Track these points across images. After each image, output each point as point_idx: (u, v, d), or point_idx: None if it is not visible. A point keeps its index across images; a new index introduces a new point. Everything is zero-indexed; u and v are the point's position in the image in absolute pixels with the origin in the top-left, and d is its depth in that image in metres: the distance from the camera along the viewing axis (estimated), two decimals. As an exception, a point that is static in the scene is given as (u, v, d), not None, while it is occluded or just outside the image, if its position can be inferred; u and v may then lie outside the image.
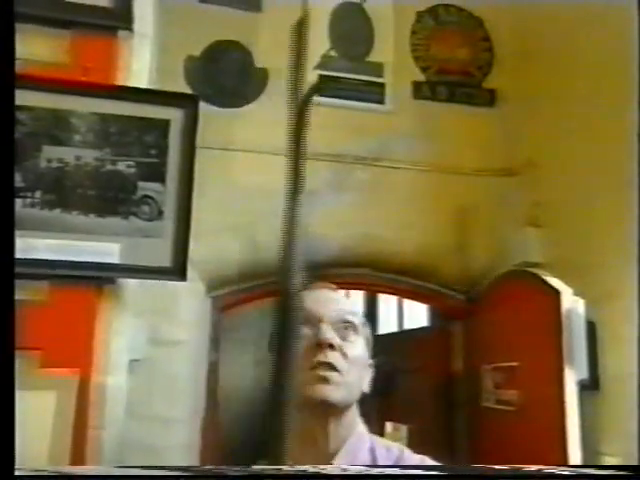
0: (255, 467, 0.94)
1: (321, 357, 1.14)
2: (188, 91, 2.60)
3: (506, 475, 0.90)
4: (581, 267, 2.44)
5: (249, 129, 2.75)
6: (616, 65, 2.36)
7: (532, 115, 2.88)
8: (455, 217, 2.85)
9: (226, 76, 2.85)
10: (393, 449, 1.19)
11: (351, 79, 2.98)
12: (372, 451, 1.17)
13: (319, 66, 2.94)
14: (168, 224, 1.80)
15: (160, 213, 1.80)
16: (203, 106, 2.58)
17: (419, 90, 3.03)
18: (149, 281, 2.14)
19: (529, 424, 2.31)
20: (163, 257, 1.80)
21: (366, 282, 3.00)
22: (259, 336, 5.97)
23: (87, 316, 1.78)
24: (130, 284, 2.02)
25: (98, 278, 1.79)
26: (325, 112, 2.89)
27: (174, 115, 1.84)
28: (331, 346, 1.15)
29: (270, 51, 2.88)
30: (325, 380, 1.13)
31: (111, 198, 1.75)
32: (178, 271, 1.82)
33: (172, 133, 1.82)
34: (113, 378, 1.90)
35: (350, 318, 1.20)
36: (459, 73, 3.13)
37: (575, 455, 2.15)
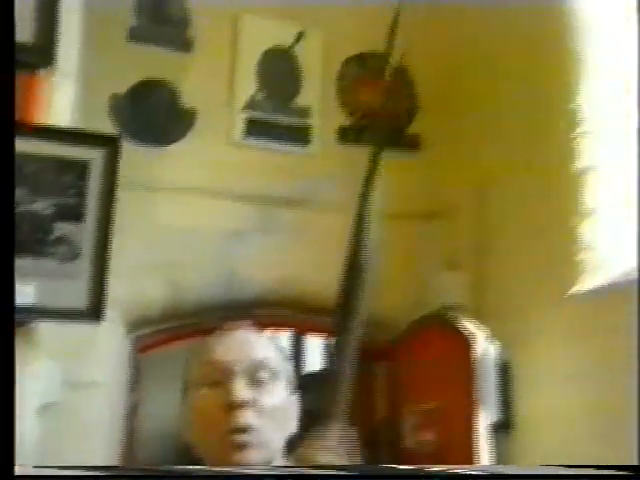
0: (255, 467, 0.98)
1: (234, 420, 1.03)
2: (113, 130, 2.58)
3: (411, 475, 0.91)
4: (498, 310, 2.52)
5: (174, 169, 2.75)
6: (538, 110, 2.47)
7: (455, 159, 2.98)
8: (374, 259, 2.90)
9: (152, 115, 2.84)
10: None
11: (278, 121, 3.02)
12: None
13: (246, 107, 2.97)
14: (85, 265, 1.78)
15: (77, 254, 1.77)
16: (128, 145, 2.58)
17: (345, 134, 3.10)
18: (67, 324, 2.10)
19: (444, 463, 2.34)
20: (79, 299, 1.77)
21: (289, 322, 3.01)
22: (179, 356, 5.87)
23: (-4, 359, 1.73)
24: (45, 326, 1.97)
25: (10, 320, 1.74)
26: (252, 154, 2.93)
27: (95, 155, 1.82)
28: (244, 405, 1.04)
29: (198, 91, 2.90)
30: (242, 446, 1.02)
31: (25, 238, 1.72)
32: (94, 313, 1.79)
33: (92, 173, 1.81)
34: (20, 425, 1.83)
35: (267, 363, 1.09)
36: (384, 119, 3.21)
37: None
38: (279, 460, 1.08)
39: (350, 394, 1.93)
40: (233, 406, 1.03)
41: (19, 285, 1.73)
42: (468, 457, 2.24)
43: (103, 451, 2.42)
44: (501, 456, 2.36)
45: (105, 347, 2.51)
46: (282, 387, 1.11)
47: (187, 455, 1.11)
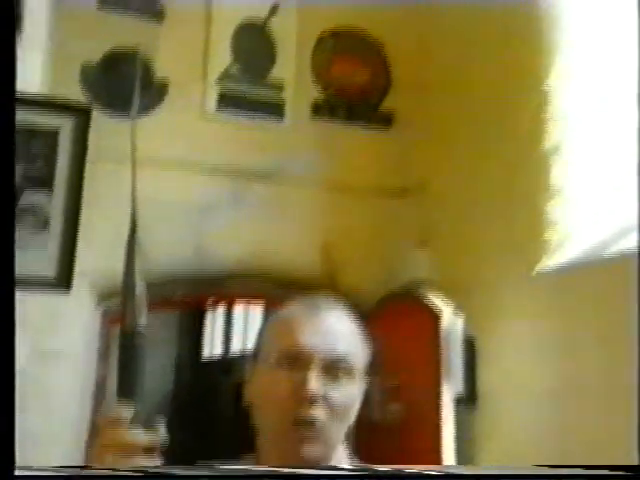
0: (255, 467, 0.96)
1: (302, 413, 0.99)
2: (83, 99, 2.55)
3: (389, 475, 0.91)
4: (465, 286, 2.56)
5: (145, 140, 2.72)
6: (511, 91, 2.49)
7: (426, 137, 3.00)
8: (346, 234, 2.93)
9: (124, 85, 2.81)
10: None
11: (251, 95, 3.01)
12: None
13: (220, 80, 2.96)
14: (54, 235, 1.78)
15: (46, 223, 1.77)
16: (98, 115, 2.55)
17: (318, 109, 3.10)
18: (35, 293, 2.09)
19: (410, 438, 2.39)
20: (48, 268, 1.77)
21: (261, 296, 3.03)
22: (153, 346, 5.89)
23: (-37, 328, 1.72)
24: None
25: (-24, 288, 1.73)
26: (224, 127, 2.92)
27: (64, 124, 1.81)
28: (316, 401, 1.00)
29: (171, 62, 2.87)
30: (304, 440, 1.00)
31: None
32: (63, 282, 1.79)
33: (61, 142, 1.80)
34: (-11, 392, 1.84)
35: (347, 359, 1.05)
36: (357, 94, 3.22)
37: (448, 462, 2.26)
38: (335, 455, 1.05)
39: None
40: (305, 398, 0.99)
41: (-14, 254, 1.72)
42: (433, 430, 2.29)
43: (71, 419, 2.42)
44: (465, 430, 2.42)
45: (74, 318, 2.50)
46: (354, 384, 1.06)
47: (243, 418, 1.09)
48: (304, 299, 1.14)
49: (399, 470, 0.89)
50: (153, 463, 0.85)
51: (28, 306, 2.12)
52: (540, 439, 2.16)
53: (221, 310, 6.60)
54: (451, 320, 2.32)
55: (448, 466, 0.89)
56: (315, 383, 1.00)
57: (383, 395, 2.58)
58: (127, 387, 0.86)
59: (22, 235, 1.71)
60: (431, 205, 2.91)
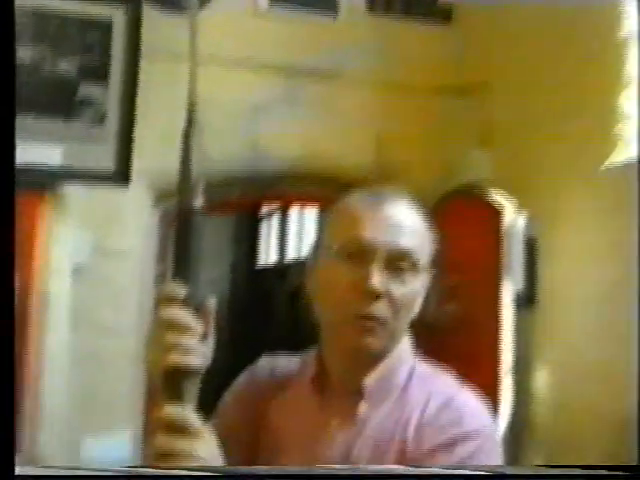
0: (255, 467, 0.92)
1: (365, 307, 0.96)
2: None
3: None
4: (527, 186, 2.48)
5: (198, 38, 2.66)
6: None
7: (488, 32, 2.86)
8: (405, 135, 2.85)
9: (175, -20, 2.73)
10: (436, 371, 1.04)
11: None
12: (410, 375, 1.02)
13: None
14: (111, 129, 1.77)
15: (103, 117, 1.76)
16: (151, 12, 2.49)
17: (374, 3, 2.97)
18: (95, 190, 2.12)
19: (467, 335, 2.39)
20: (106, 162, 1.78)
21: (316, 198, 3.01)
22: (210, 242, 6.02)
23: (28, 221, 1.76)
24: (74, 192, 1.99)
25: (39, 183, 1.76)
26: (278, 23, 2.83)
27: (117, 14, 1.77)
28: (378, 297, 0.96)
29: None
30: (366, 332, 0.97)
31: (49, 100, 1.70)
32: (121, 176, 1.80)
33: (115, 33, 1.76)
34: (54, 284, 1.89)
35: (413, 253, 0.99)
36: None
37: (507, 362, 2.25)
38: (398, 347, 1.02)
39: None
40: (367, 293, 0.95)
41: (46, 148, 1.73)
42: (492, 330, 2.27)
43: (135, 315, 2.49)
44: (522, 329, 2.40)
45: (134, 218, 2.54)
46: (417, 278, 1.00)
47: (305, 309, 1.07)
48: (368, 190, 1.07)
49: (404, 470, 0.87)
50: (205, 350, 0.84)
51: (88, 203, 2.15)
52: (598, 340, 2.13)
53: (276, 214, 6.63)
54: (513, 218, 2.25)
55: (447, 466, 0.87)
56: (378, 278, 0.96)
57: (441, 294, 2.57)
58: (182, 267, 0.85)
59: (80, 128, 1.70)
60: (493, 103, 2.80)
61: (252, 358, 1.17)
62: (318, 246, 1.06)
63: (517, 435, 2.40)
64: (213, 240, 6.51)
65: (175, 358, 0.79)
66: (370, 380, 1.00)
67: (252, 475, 0.79)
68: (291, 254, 6.22)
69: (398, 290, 0.97)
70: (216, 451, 0.82)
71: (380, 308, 0.96)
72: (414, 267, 0.98)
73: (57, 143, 1.69)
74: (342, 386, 1.02)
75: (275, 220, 6.73)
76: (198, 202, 0.85)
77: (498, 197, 2.33)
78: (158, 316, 0.80)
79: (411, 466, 0.93)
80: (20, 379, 1.70)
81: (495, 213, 2.27)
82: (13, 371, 0.69)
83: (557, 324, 2.37)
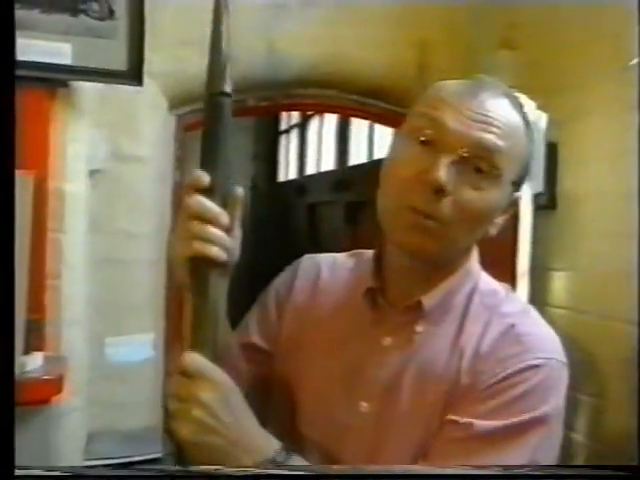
0: (255, 467, 0.85)
1: (423, 202, 0.85)
2: None
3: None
4: (550, 89, 2.41)
5: None
6: None
7: None
8: (427, 38, 2.76)
9: None
10: (499, 292, 0.96)
11: None
12: (471, 294, 0.94)
13: None
14: (121, 24, 1.72)
15: (111, 12, 1.71)
16: None
17: None
18: (108, 92, 2.09)
19: (485, 239, 2.37)
20: (118, 59, 1.74)
21: (334, 104, 2.95)
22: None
23: (40, 119, 1.74)
24: (87, 91, 1.96)
25: (50, 79, 1.73)
26: None
27: None
28: (442, 192, 0.85)
29: None
30: (422, 230, 0.87)
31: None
32: (134, 75, 1.76)
33: None
34: (71, 185, 1.89)
35: (498, 159, 0.86)
36: None
37: (523, 267, 2.24)
38: (462, 258, 0.95)
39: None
40: (431, 185, 0.85)
41: (56, 44, 1.69)
42: (510, 231, 2.25)
43: (153, 219, 2.50)
44: (542, 233, 2.39)
45: (149, 122, 2.52)
46: (499, 189, 0.88)
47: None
48: (465, 80, 0.95)
49: (406, 470, 0.82)
50: (231, 243, 0.81)
51: (102, 103, 2.13)
52: (617, 247, 2.10)
53: (295, 128, 6.57)
54: (535, 116, 2.19)
55: (448, 466, 0.81)
56: (445, 171, 0.84)
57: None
58: (209, 155, 0.83)
59: (89, 23, 1.66)
60: (515, 5, 2.68)
61: (273, 271, 1.11)
62: (399, 130, 0.95)
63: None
64: (232, 157, 6.49)
65: (199, 247, 0.78)
66: (430, 299, 0.92)
67: (252, 475, 0.77)
68: (310, 168, 6.19)
69: (469, 193, 0.86)
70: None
71: (441, 207, 0.85)
72: (495, 173, 0.86)
73: (65, 38, 1.65)
74: (399, 302, 0.95)
75: (294, 135, 6.68)
76: (228, 87, 0.83)
77: (518, 94, 2.26)
78: (183, 204, 0.80)
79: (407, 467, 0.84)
80: (40, 278, 1.72)
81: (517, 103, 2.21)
82: (13, 372, 0.69)
83: (577, 229, 2.35)
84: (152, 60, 2.22)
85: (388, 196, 0.91)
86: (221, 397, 0.78)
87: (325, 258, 1.08)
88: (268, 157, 7.11)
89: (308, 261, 1.08)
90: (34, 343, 1.66)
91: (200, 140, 0.85)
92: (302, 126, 6.26)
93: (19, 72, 1.70)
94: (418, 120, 0.90)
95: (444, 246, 0.89)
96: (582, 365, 2.27)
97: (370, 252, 1.02)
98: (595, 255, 2.22)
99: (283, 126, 6.93)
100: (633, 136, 2.01)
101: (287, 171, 6.90)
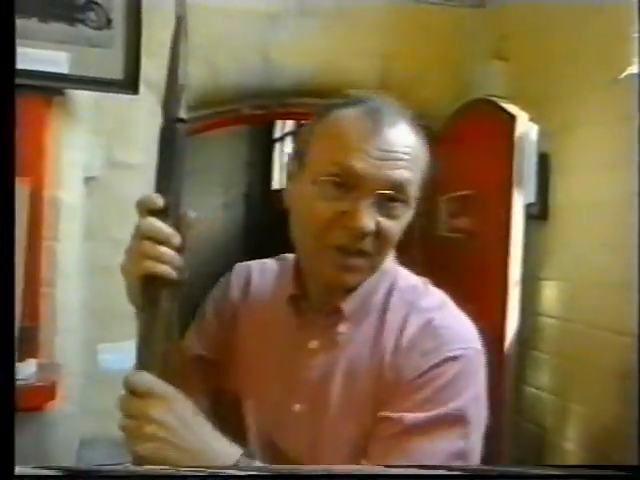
0: (254, 467, 0.87)
1: (349, 245, 0.89)
2: None
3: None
4: (541, 99, 2.43)
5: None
6: None
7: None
8: (420, 48, 2.78)
9: None
10: (418, 286, 1.00)
11: None
12: (389, 292, 0.98)
13: None
14: (118, 33, 1.74)
15: (108, 21, 1.72)
16: None
17: None
18: (104, 100, 2.10)
19: (478, 248, 2.39)
20: (114, 68, 1.75)
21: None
22: (224, 164, 6.04)
23: (36, 127, 1.75)
24: (83, 99, 1.97)
25: (46, 88, 1.75)
26: None
27: None
28: (365, 235, 0.89)
29: None
30: (348, 268, 0.91)
31: (55, 3, 1.66)
32: (130, 83, 1.78)
33: None
34: (66, 193, 1.90)
35: (408, 189, 0.90)
36: None
37: (515, 276, 2.26)
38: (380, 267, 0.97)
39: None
40: (356, 230, 0.88)
41: (53, 52, 1.71)
42: (502, 242, 2.27)
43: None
44: (533, 244, 2.40)
45: (145, 130, 2.53)
46: (409, 211, 0.93)
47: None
48: (364, 102, 0.94)
49: (405, 470, 0.83)
50: (182, 262, 0.84)
51: (98, 111, 2.14)
52: (609, 256, 2.12)
53: (289, 135, 6.59)
54: (526, 131, 2.21)
55: (446, 466, 0.83)
56: (367, 215, 0.87)
57: (451, 207, 2.56)
58: (164, 178, 0.85)
59: (86, 33, 1.68)
60: (507, 17, 2.71)
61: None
62: (299, 164, 0.96)
63: (523, 349, 2.44)
64: (227, 165, 6.52)
65: (150, 265, 0.81)
66: (349, 303, 0.96)
67: (252, 475, 0.78)
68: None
69: (386, 225, 0.89)
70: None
71: (365, 244, 0.89)
72: (407, 200, 0.91)
73: (62, 47, 1.66)
74: (321, 307, 0.98)
75: (288, 142, 6.69)
76: (183, 113, 0.85)
77: (511, 111, 2.29)
78: (136, 225, 0.83)
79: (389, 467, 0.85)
80: (34, 285, 1.73)
81: (508, 127, 2.23)
82: (13, 372, 0.70)
83: (568, 239, 2.36)
84: (149, 69, 2.24)
85: (308, 235, 0.93)
86: (173, 412, 0.80)
87: (255, 264, 1.12)
88: (262, 164, 7.12)
89: (239, 268, 1.12)
90: (28, 350, 1.67)
91: (157, 162, 0.87)
92: (296, 134, 6.27)
93: (16, 80, 1.71)
94: (326, 165, 0.90)
95: (366, 275, 0.95)
96: (571, 374, 2.29)
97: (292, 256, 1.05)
98: (586, 265, 2.24)
99: (277, 134, 6.94)
100: (624, 146, 2.03)
101: (281, 178, 6.91)
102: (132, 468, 0.83)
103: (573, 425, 2.28)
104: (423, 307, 0.95)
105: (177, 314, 0.85)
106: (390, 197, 0.89)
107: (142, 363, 0.82)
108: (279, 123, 6.66)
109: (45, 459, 1.73)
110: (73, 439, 2.03)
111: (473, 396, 0.90)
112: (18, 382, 1.57)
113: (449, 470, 0.82)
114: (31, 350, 1.69)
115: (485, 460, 0.92)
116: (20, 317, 1.56)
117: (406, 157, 0.90)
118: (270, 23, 2.64)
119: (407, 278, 1.01)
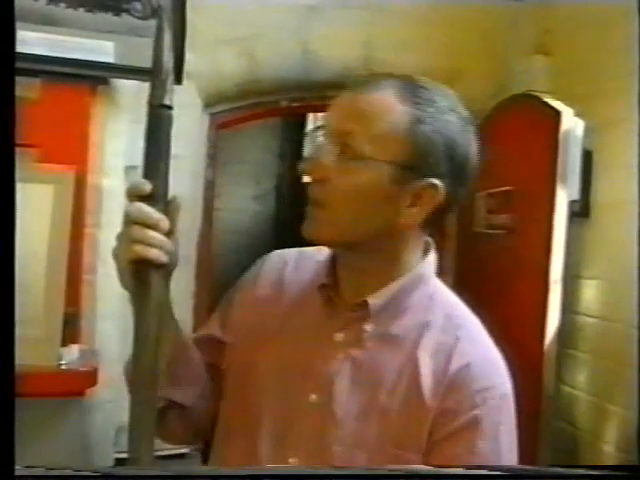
0: (254, 467, 0.90)
1: (310, 191, 0.94)
2: None
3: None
4: (582, 95, 2.39)
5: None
6: None
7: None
8: (462, 42, 2.75)
9: None
10: (457, 306, 1.01)
11: None
12: (428, 307, 0.98)
13: None
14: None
15: (154, 11, 1.73)
16: None
17: None
18: (147, 89, 2.11)
19: (518, 245, 2.37)
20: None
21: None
22: (257, 156, 6.05)
23: (81, 116, 1.77)
24: (127, 88, 1.98)
25: (91, 77, 1.76)
26: None
27: None
28: (320, 181, 0.93)
29: None
30: (308, 218, 0.96)
31: (101, -8, 1.67)
32: (174, 73, 1.78)
33: None
34: (108, 181, 1.92)
35: (354, 140, 0.91)
36: None
37: (556, 274, 2.23)
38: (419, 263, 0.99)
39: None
40: (311, 175, 0.96)
41: (99, 41, 1.72)
42: (544, 240, 2.24)
43: (184, 217, 2.52)
44: (574, 240, 2.37)
45: (184, 120, 2.53)
46: (363, 169, 0.94)
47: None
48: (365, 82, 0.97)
49: (406, 470, 0.83)
50: (171, 246, 0.85)
51: (141, 101, 2.15)
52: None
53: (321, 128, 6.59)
54: (570, 127, 2.18)
55: (447, 467, 0.82)
56: (312, 161, 0.95)
57: (491, 203, 2.53)
58: (151, 164, 0.86)
59: (132, 23, 1.69)
60: (551, 11, 2.67)
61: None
62: None
63: (562, 348, 2.41)
64: (258, 157, 6.54)
65: (140, 249, 0.82)
66: (376, 298, 0.96)
67: (252, 475, 0.77)
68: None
69: (340, 177, 0.91)
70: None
71: (314, 192, 0.94)
72: (353, 153, 0.91)
73: (108, 37, 1.67)
74: (350, 299, 0.98)
75: (320, 134, 6.68)
76: (168, 99, 0.85)
77: (556, 106, 2.25)
78: (125, 211, 0.84)
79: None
80: (77, 271, 1.75)
81: (552, 123, 2.20)
82: (13, 371, 0.70)
83: (609, 237, 2.33)
84: (188, 59, 2.24)
85: None
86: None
87: (293, 252, 1.13)
88: (294, 157, 7.13)
89: (275, 256, 1.13)
90: (70, 335, 1.69)
91: (144, 149, 0.87)
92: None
93: (62, 69, 1.73)
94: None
95: (339, 231, 0.94)
96: (610, 374, 2.26)
97: None
98: (627, 264, 2.20)
99: (310, 126, 6.94)
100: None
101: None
102: (132, 468, 0.84)
103: (610, 426, 2.25)
104: (464, 352, 0.95)
105: (170, 297, 0.91)
106: (342, 146, 0.92)
107: (136, 344, 0.84)
108: (311, 116, 6.65)
109: (85, 443, 1.76)
110: (111, 425, 2.05)
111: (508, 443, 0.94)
112: (61, 367, 1.59)
113: (489, 470, 0.80)
114: (73, 336, 1.71)
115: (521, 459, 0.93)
116: (64, 303, 1.58)
117: (357, 112, 0.92)
118: (310, 15, 2.63)
119: (444, 292, 1.02)
